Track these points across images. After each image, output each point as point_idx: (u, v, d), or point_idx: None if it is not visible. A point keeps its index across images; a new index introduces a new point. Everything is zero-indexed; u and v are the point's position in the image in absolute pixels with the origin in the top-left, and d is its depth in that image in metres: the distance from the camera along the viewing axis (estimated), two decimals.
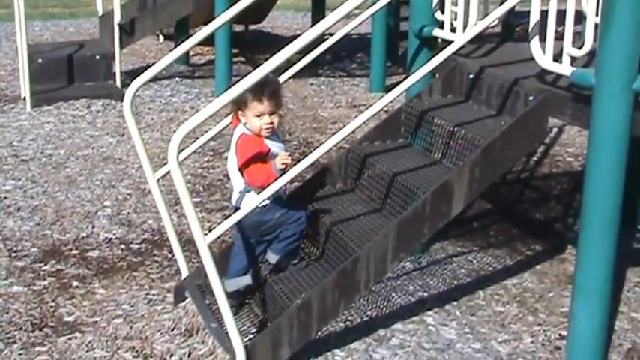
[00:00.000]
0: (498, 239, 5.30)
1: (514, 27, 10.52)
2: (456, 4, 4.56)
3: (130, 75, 8.78)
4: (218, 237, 3.60)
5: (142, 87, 4.13)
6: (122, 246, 5.12)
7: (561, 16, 3.72)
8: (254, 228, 3.95)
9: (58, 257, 4.93)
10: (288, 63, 3.89)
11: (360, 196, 4.35)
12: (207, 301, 4.11)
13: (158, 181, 4.19)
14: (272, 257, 4.06)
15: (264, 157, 3.83)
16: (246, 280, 4.06)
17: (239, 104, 3.81)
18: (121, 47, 9.00)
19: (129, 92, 4.03)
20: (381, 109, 3.98)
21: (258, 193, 3.73)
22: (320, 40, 3.96)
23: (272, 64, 3.46)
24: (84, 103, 8.40)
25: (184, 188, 3.40)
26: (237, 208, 3.92)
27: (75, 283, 4.60)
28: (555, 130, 7.59)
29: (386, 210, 4.10)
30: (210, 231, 3.63)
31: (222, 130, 4.59)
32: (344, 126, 3.92)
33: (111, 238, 5.22)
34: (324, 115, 8.07)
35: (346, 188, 4.45)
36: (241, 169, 3.85)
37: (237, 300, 4.08)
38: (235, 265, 4.09)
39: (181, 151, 3.86)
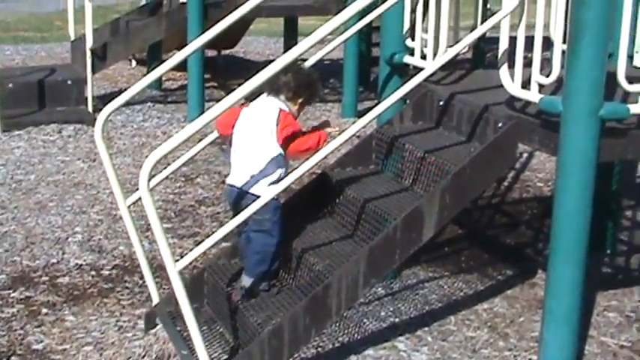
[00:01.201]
0: (469, 264, 5.32)
1: (485, 53, 10.61)
2: (426, 31, 4.59)
3: (102, 100, 8.76)
4: (189, 263, 3.60)
5: (114, 112, 4.13)
6: (93, 272, 5.09)
7: (530, 42, 3.76)
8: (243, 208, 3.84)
9: (27, 284, 4.89)
10: (261, 88, 3.91)
11: (331, 222, 4.36)
12: (178, 328, 4.09)
13: (129, 207, 4.17)
14: (245, 280, 4.05)
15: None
16: None
17: (311, 95, 4.15)
18: (93, 72, 8.98)
19: (100, 118, 4.03)
20: (353, 135, 4.00)
21: (277, 182, 3.87)
22: (293, 65, 3.98)
23: (245, 90, 3.48)
24: (55, 128, 8.37)
25: (155, 215, 3.40)
26: (241, 190, 3.94)
27: (44, 311, 4.57)
28: (526, 155, 7.65)
29: (357, 236, 4.11)
30: (181, 257, 3.62)
31: (194, 155, 4.60)
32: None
33: (81, 265, 5.19)
34: None
35: (318, 214, 4.45)
36: (286, 140, 3.95)
37: None
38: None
39: (153, 176, 3.85)
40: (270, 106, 4.02)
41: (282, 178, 3.90)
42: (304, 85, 4.07)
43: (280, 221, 4.01)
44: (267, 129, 3.94)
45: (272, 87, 4.02)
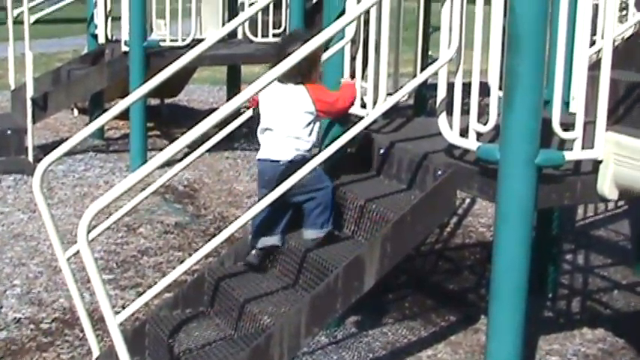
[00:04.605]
0: (413, 311, 5.33)
1: (426, 99, 10.72)
2: (365, 81, 4.63)
3: (44, 149, 8.65)
4: (131, 315, 3.56)
5: (55, 162, 4.08)
6: (32, 326, 4.99)
7: (470, 89, 3.79)
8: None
9: None
10: (204, 137, 3.92)
11: (273, 272, 4.35)
12: None
13: (69, 259, 4.12)
14: (309, 234, 4.20)
15: None
16: (274, 240, 4.31)
17: (316, 65, 4.28)
18: (34, 121, 8.88)
19: (39, 169, 3.99)
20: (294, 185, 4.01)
21: (309, 151, 4.22)
22: (236, 113, 4.00)
23: (188, 138, 3.48)
24: None
25: (94, 267, 3.37)
26: (289, 163, 4.15)
27: None
28: (468, 201, 7.72)
29: (299, 285, 4.10)
30: (123, 308, 3.59)
31: (137, 205, 4.56)
32: (259, 200, 3.93)
33: (20, 318, 5.09)
34: (239, 189, 8.07)
35: (260, 264, 4.43)
36: (330, 105, 4.27)
37: (259, 260, 4.34)
38: (261, 224, 4.30)
39: (95, 227, 3.82)
40: (288, 92, 4.18)
41: (318, 132, 4.29)
42: (309, 60, 4.03)
43: (322, 171, 4.25)
44: (302, 106, 4.18)
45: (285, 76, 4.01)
